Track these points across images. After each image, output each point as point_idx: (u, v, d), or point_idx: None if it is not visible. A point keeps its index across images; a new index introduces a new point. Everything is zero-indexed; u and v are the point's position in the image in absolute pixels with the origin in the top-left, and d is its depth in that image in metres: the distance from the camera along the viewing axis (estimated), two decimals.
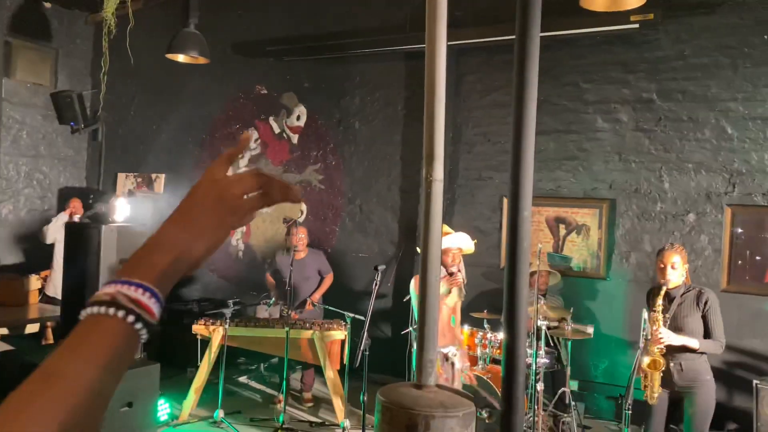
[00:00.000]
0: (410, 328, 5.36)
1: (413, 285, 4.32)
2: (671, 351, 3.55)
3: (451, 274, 4.44)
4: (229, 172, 0.81)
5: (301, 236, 5.68)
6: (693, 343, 3.52)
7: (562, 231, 5.75)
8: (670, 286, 3.64)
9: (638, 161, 5.50)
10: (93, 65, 8.44)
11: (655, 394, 3.54)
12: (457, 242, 4.51)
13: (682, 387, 3.61)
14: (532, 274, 4.90)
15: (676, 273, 3.64)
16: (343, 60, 6.79)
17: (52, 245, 6.51)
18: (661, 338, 3.47)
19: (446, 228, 4.43)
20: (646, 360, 3.50)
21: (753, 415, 4.44)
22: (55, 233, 6.34)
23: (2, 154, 7.47)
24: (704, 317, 3.60)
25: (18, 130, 7.77)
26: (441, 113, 2.69)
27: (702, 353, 3.58)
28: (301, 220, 6.99)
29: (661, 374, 3.53)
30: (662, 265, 3.65)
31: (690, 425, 3.60)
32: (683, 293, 3.67)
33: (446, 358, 4.27)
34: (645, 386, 3.55)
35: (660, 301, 3.55)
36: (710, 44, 5.23)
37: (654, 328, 3.51)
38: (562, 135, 5.78)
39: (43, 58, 8.10)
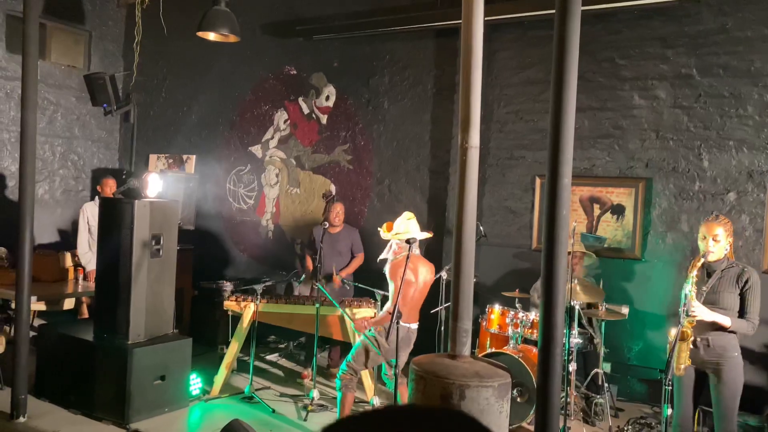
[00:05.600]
0: (441, 307, 5.32)
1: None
2: (700, 326, 3.44)
3: None
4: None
5: (338, 211, 5.77)
6: (725, 320, 3.41)
7: (597, 211, 5.63)
8: (711, 258, 3.50)
9: (676, 139, 5.35)
10: (125, 48, 8.51)
11: (682, 365, 3.44)
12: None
13: (707, 362, 3.51)
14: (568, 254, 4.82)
15: (718, 246, 3.49)
16: (372, 39, 6.73)
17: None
18: (693, 312, 3.36)
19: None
20: (674, 331, 3.40)
21: None
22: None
23: (38, 135, 7.58)
24: (742, 296, 3.47)
25: (53, 112, 7.89)
26: (478, 78, 2.63)
27: (732, 332, 3.47)
28: None
29: (690, 347, 3.43)
30: (704, 237, 3.52)
31: (719, 404, 3.50)
32: (724, 268, 3.54)
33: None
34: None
35: (695, 272, 3.43)
36: (754, 16, 5.04)
37: (688, 299, 3.40)
38: (597, 112, 5.64)
39: (76, 41, 8.20)
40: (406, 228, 4.37)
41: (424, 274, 4.40)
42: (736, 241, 4.99)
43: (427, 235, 4.55)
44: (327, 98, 7.13)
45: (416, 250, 4.31)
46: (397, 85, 6.69)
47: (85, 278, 6.13)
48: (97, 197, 6.36)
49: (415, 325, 4.40)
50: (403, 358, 4.21)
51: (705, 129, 5.23)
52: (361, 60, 6.88)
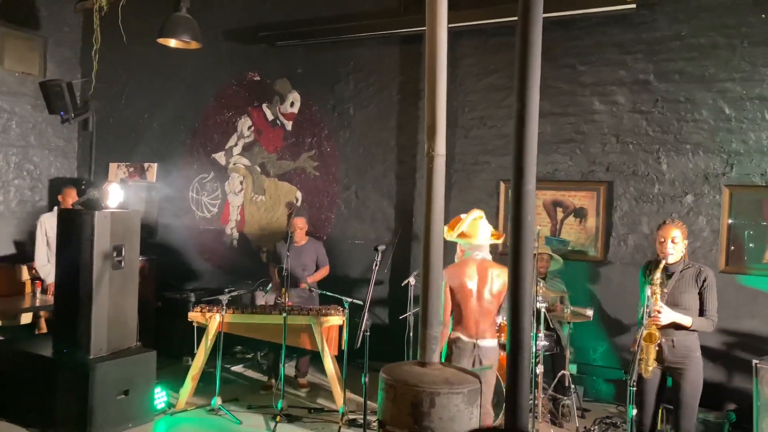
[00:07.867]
0: (409, 313, 5.33)
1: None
2: (665, 327, 3.54)
3: None
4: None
5: (299, 227, 5.68)
6: (686, 320, 3.55)
7: (560, 214, 5.73)
8: (670, 261, 3.62)
9: (636, 143, 5.47)
10: (82, 54, 8.31)
11: (650, 367, 3.55)
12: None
13: (672, 363, 3.62)
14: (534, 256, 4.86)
15: (677, 248, 3.62)
16: (336, 45, 6.72)
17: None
18: (659, 313, 3.46)
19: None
20: (643, 333, 3.49)
21: (753, 396, 4.43)
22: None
23: None
24: (700, 294, 3.62)
25: (7, 120, 7.64)
26: (443, 86, 2.64)
27: (694, 331, 3.59)
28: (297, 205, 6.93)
29: (657, 348, 3.53)
30: (662, 240, 3.64)
31: (681, 403, 3.61)
32: (682, 269, 3.66)
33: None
34: (640, 359, 3.54)
35: (658, 274, 3.54)
36: (708, 24, 5.20)
37: (652, 301, 3.50)
38: (559, 118, 5.74)
39: (31, 47, 7.96)
40: (471, 230, 3.82)
41: (491, 281, 3.79)
42: (694, 242, 5.14)
43: (495, 241, 3.87)
44: (291, 104, 7.08)
45: (487, 255, 3.82)
46: (363, 91, 6.70)
47: (43, 291, 5.95)
48: (55, 208, 6.18)
49: (485, 342, 3.76)
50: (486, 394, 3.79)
51: (663, 133, 5.37)
52: (326, 66, 6.86)
